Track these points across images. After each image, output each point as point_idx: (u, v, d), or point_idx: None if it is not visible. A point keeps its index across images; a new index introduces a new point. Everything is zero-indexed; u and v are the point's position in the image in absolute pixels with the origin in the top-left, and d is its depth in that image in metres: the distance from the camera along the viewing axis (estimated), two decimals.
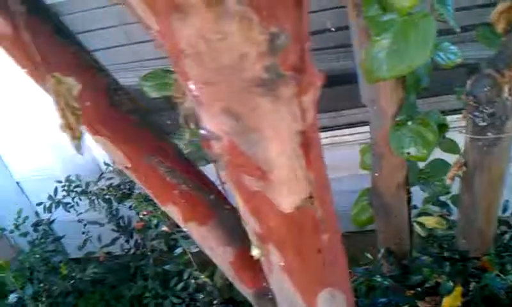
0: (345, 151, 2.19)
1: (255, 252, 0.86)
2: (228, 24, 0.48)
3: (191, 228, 1.06)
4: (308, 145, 0.66)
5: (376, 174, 1.35)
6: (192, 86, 0.55)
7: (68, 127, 0.57)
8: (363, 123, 2.32)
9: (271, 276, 0.96)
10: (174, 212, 1.03)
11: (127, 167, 0.92)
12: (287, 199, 0.73)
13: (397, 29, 0.89)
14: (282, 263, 0.88)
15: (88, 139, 2.20)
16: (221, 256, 1.13)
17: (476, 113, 1.03)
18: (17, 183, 2.73)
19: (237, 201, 0.78)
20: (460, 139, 1.42)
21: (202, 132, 0.63)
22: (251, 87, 0.54)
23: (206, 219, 1.04)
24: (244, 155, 0.63)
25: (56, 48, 0.72)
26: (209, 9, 0.46)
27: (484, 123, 1.03)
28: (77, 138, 0.56)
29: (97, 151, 2.53)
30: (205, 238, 1.09)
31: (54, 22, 0.78)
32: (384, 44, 0.90)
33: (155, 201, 1.04)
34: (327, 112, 2.21)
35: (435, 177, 1.49)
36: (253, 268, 1.14)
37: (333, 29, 2.00)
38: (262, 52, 0.50)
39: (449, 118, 2.03)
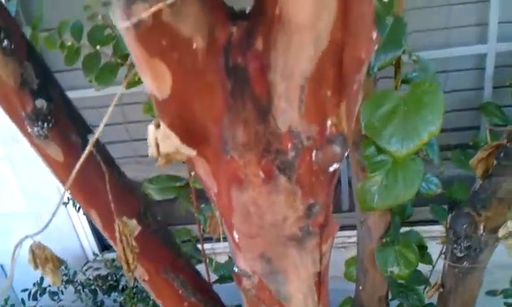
0: None
1: None
2: (277, 196, 0.60)
3: None
4: (321, 282, 0.77)
5: (360, 288, 1.46)
6: (235, 235, 0.66)
7: (125, 262, 0.66)
8: (346, 227, 2.44)
9: None
10: None
11: (144, 280, 1.00)
12: None
13: (388, 168, 1.03)
14: None
15: (77, 226, 2.24)
16: None
17: (455, 245, 1.17)
18: (1, 266, 2.72)
19: None
20: (432, 248, 1.54)
21: (236, 269, 0.73)
22: (286, 241, 0.65)
23: None
24: (269, 291, 0.73)
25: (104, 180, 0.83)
26: (264, 186, 0.58)
27: (461, 254, 1.17)
28: (131, 272, 0.66)
29: (85, 240, 2.57)
30: None
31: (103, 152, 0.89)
32: (376, 180, 1.03)
33: None
34: None
35: (413, 291, 1.61)
36: None
37: None
38: (300, 216, 0.62)
39: (424, 228, 2.18)
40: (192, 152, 0.55)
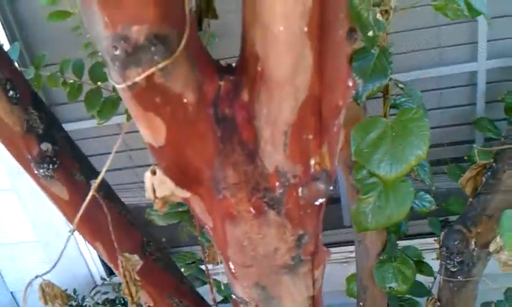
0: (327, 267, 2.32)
1: None
2: (268, 229, 0.64)
3: None
4: (315, 305, 0.81)
5: (361, 304, 1.50)
6: (231, 266, 0.71)
7: (129, 295, 0.71)
8: (348, 243, 2.46)
9: None
10: None
11: (149, 306, 1.05)
12: None
13: (380, 189, 1.07)
14: None
15: (84, 252, 2.27)
16: None
17: (448, 261, 1.21)
18: (11, 293, 2.76)
19: None
20: (433, 260, 1.57)
21: (233, 296, 0.77)
22: (278, 269, 0.70)
23: None
24: None
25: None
26: (255, 220, 0.63)
27: (455, 269, 1.21)
28: (135, 303, 0.70)
29: (93, 265, 2.61)
30: None
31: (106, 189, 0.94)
32: (369, 201, 1.07)
33: None
34: None
35: (413, 304, 1.64)
36: None
37: None
38: (290, 247, 0.67)
39: (425, 240, 2.21)
40: (186, 194, 0.60)
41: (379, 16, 0.84)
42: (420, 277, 1.54)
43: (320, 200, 0.63)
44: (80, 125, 2.18)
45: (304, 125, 0.57)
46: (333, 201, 2.50)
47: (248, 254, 0.68)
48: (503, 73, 2.06)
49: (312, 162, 0.61)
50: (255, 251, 0.67)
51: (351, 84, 0.60)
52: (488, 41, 1.99)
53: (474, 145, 1.29)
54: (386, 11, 0.86)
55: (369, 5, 0.82)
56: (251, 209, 0.62)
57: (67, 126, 2.10)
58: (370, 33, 0.87)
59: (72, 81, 1.39)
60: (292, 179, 0.61)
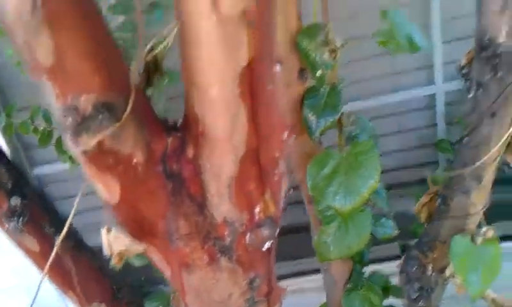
0: (302, 297, 2.35)
1: None
2: (220, 274, 0.69)
3: None
4: None
5: None
6: None
7: None
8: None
9: None
10: None
11: None
12: None
13: (340, 220, 1.11)
14: None
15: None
16: None
17: (408, 287, 1.26)
18: None
19: None
20: None
21: None
22: None
23: None
24: None
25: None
26: (209, 267, 0.68)
27: (415, 295, 1.26)
28: None
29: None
30: None
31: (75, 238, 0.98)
32: (330, 232, 1.11)
33: None
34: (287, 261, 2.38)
35: None
36: None
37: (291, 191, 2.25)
38: (244, 291, 0.71)
39: (393, 264, 2.25)
40: (140, 247, 0.64)
41: (327, 55, 0.90)
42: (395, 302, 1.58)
43: (268, 244, 0.68)
44: (56, 166, 2.19)
45: (246, 177, 0.62)
46: (307, 229, 2.53)
47: (205, 301, 0.72)
48: (461, 94, 2.14)
49: (257, 209, 0.65)
50: (209, 297, 0.71)
51: (286, 136, 0.65)
52: (445, 63, 2.07)
53: (425, 170, 1.35)
54: (334, 50, 0.92)
55: (317, 46, 0.88)
56: (205, 257, 0.67)
57: (43, 169, 2.10)
58: (319, 72, 0.93)
59: (42, 128, 1.43)
60: (240, 227, 0.66)
